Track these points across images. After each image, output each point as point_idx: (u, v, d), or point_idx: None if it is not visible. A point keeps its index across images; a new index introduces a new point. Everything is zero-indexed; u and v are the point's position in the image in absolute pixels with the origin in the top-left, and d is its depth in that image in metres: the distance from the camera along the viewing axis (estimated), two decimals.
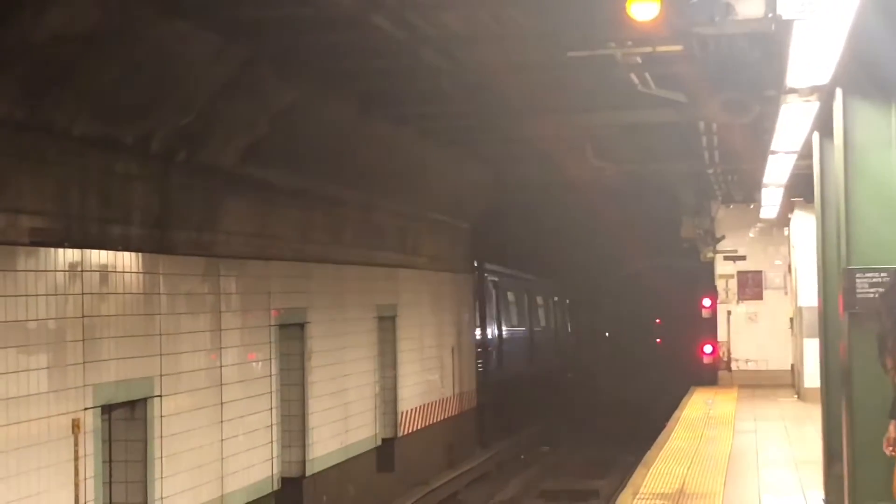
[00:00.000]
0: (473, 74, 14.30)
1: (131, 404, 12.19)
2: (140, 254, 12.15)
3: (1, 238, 9.98)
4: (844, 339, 8.57)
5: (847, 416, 8.30)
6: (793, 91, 9.42)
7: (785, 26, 7.49)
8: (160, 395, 12.47)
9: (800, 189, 17.80)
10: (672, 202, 26.61)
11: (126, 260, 11.90)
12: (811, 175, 11.49)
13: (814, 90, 9.33)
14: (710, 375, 25.98)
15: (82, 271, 11.13)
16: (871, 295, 7.88)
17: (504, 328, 35.00)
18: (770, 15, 8.53)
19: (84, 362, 11.09)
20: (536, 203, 28.54)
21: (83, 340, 11.09)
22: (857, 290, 8.11)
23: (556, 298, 42.11)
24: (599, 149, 21.03)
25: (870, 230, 7.99)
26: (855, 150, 8.02)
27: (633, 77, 12.60)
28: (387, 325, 20.41)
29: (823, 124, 10.11)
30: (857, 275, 8.05)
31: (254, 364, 14.95)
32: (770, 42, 9.17)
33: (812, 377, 17.87)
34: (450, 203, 23.63)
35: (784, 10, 7.17)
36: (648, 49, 11.14)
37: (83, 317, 11.11)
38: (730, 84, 11.66)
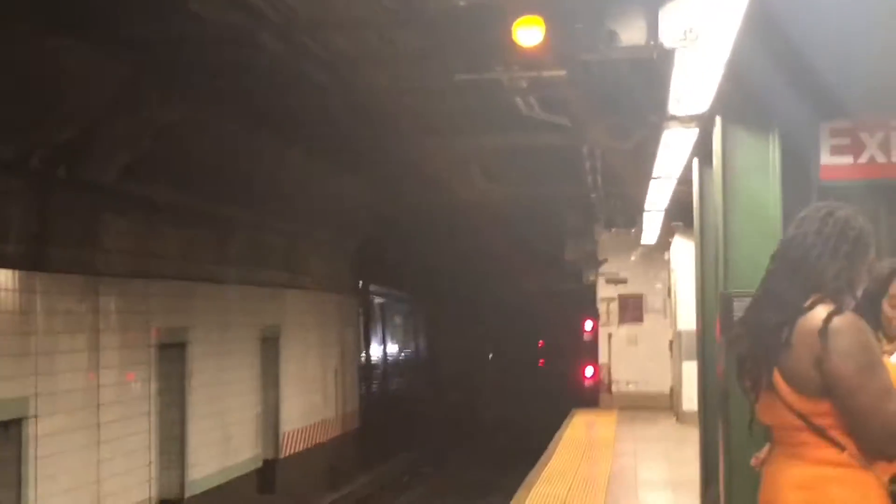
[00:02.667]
0: (361, 95, 14.30)
1: (4, 424, 11.92)
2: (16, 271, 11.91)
3: None
4: (721, 363, 8.70)
5: (724, 438, 8.42)
6: (674, 118, 9.59)
7: (666, 54, 7.64)
8: (35, 416, 12.22)
9: (680, 214, 18.09)
10: (557, 225, 26.88)
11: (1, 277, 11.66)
12: (691, 200, 11.69)
13: (694, 117, 9.51)
14: (592, 397, 26.24)
15: None
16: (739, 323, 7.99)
17: (388, 349, 34.96)
18: (652, 43, 8.68)
19: None
20: (423, 224, 28.61)
21: None
22: (735, 314, 8.23)
23: (440, 320, 42.23)
24: (486, 171, 21.17)
25: (746, 256, 8.12)
26: (734, 176, 8.16)
27: (519, 101, 12.70)
28: (270, 345, 20.25)
29: (703, 150, 10.30)
30: (735, 299, 8.17)
31: (132, 384, 14.72)
32: (652, 69, 9.32)
33: (690, 400, 18.12)
34: (337, 223, 23.56)
35: (665, 39, 7.31)
36: (533, 73, 11.23)
37: None
38: (613, 109, 11.83)
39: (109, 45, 11.64)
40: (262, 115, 15.89)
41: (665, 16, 7.42)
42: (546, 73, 11.15)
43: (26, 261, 12.10)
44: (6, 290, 11.77)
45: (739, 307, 8.25)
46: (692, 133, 10.06)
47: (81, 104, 12.29)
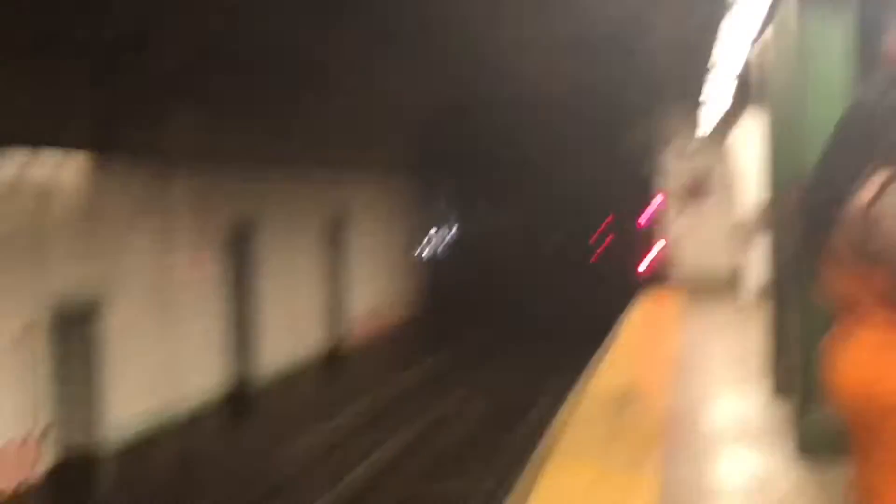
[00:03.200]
0: None
1: (78, 308, 12.10)
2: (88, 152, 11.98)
3: None
4: (794, 235, 8.64)
5: (799, 309, 8.41)
6: None
7: None
8: (108, 300, 12.38)
9: (747, 93, 17.84)
10: (619, 109, 26.61)
11: None
12: (759, 80, 11.51)
13: None
14: (658, 280, 26.21)
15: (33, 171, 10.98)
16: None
17: (447, 237, 34.98)
18: None
19: None
20: (484, 113, 28.42)
21: None
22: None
23: (498, 209, 42.10)
24: (546, 57, 20.93)
25: (822, 125, 8.01)
26: (808, 54, 8.03)
27: None
28: (337, 231, 20.34)
29: (780, 22, 10.11)
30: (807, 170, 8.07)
31: (203, 269, 14.85)
32: None
33: (759, 279, 18.06)
34: (398, 108, 23.47)
35: None
36: None
37: None
38: None
39: None
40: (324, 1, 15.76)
41: None
42: None
43: (98, 143, 12.19)
44: (79, 172, 11.88)
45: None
46: (766, 4, 9.87)
47: None
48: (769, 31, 10.76)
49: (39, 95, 11.13)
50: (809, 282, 8.29)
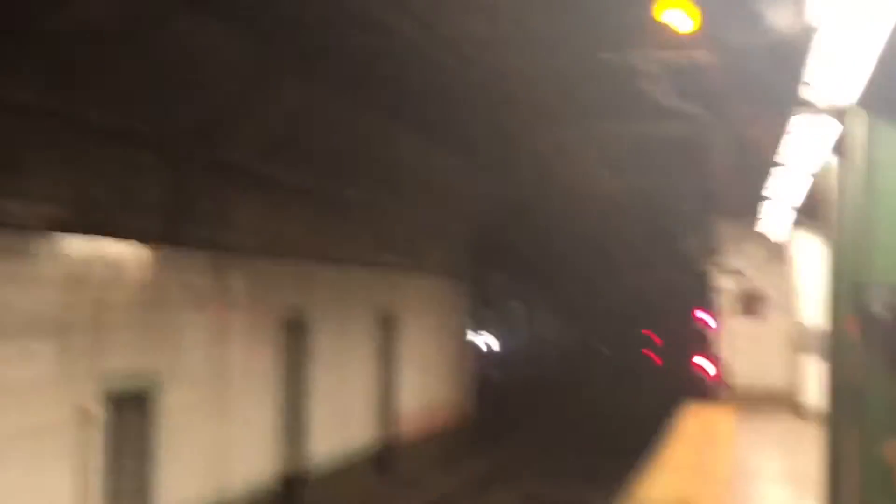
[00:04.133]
0: (489, 78, 14.27)
1: (134, 396, 12.16)
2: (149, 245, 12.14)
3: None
4: (855, 358, 8.56)
5: (858, 433, 8.30)
6: (811, 107, 9.42)
7: (809, 39, 7.50)
8: (163, 389, 12.44)
9: (807, 208, 17.78)
10: (675, 215, 26.59)
11: None
12: (818, 193, 11.48)
13: (832, 109, 9.33)
14: (708, 391, 25.95)
15: (94, 259, 11.11)
16: (887, 312, 7.88)
17: (500, 336, 34.96)
18: (794, 27, 8.54)
19: None
20: (541, 212, 28.51)
21: None
22: (873, 308, 8.10)
23: (552, 308, 42.10)
24: (605, 159, 21.01)
25: (888, 248, 7.99)
26: (878, 172, 8.03)
27: (649, 86, 12.59)
28: (389, 327, 20.41)
29: (840, 143, 10.11)
30: (874, 291, 8.04)
31: (257, 360, 14.88)
32: (792, 55, 9.17)
33: (812, 395, 17.87)
34: (455, 209, 23.62)
35: (809, 22, 7.18)
36: (670, 57, 11.12)
37: None
38: (747, 96, 11.66)
39: (246, 29, 11.78)
40: (387, 102, 15.96)
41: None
42: (683, 58, 11.03)
43: (161, 236, 12.34)
44: (141, 263, 12.02)
45: (877, 300, 8.12)
46: (829, 124, 9.87)
47: (218, 86, 12.48)
48: (835, 147, 10.76)
49: (104, 185, 11.31)
50: (873, 405, 8.13)
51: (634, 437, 24.03)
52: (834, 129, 9.91)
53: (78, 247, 10.85)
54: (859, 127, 8.39)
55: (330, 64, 13.56)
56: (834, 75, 8.02)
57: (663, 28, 9.53)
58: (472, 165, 22.21)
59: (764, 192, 17.08)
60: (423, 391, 22.38)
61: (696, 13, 9.19)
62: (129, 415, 12.07)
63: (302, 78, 13.85)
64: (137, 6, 10.34)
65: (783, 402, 22.60)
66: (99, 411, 11.16)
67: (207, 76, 12.22)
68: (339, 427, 17.83)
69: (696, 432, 19.20)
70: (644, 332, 49.22)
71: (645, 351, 48.86)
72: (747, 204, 22.93)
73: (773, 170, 14.02)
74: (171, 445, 12.53)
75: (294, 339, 16.24)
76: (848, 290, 9.82)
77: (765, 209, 18.85)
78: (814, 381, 17.14)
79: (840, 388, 10.55)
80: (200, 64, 11.86)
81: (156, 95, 11.66)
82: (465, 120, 17.62)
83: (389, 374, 20.46)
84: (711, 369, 26.99)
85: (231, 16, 11.42)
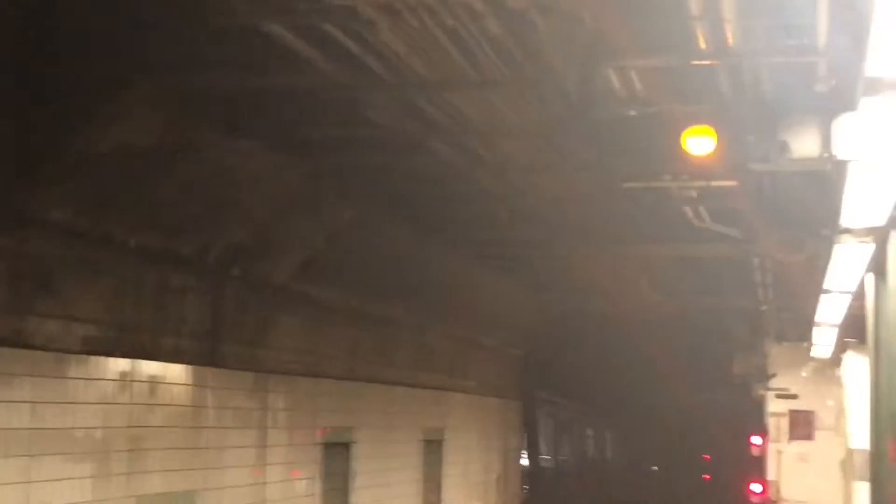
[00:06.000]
0: (529, 201, 14.37)
1: None
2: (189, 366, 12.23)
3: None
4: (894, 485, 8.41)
5: None
6: (847, 231, 9.39)
7: (840, 166, 7.52)
8: None
9: (854, 329, 17.58)
10: (725, 337, 26.40)
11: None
12: (865, 315, 11.36)
13: (869, 231, 9.29)
14: None
15: (132, 381, 11.20)
16: None
17: (551, 456, 34.59)
18: (825, 155, 8.56)
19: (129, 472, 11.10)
20: (589, 333, 28.43)
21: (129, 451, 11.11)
22: None
23: (604, 428, 41.70)
24: (654, 281, 20.99)
25: None
26: None
27: (688, 210, 12.62)
28: (433, 448, 20.27)
29: (878, 265, 10.04)
30: None
31: (298, 482, 14.86)
32: (825, 181, 9.18)
33: None
34: (501, 328, 23.59)
35: (839, 151, 7.20)
36: (703, 183, 11.18)
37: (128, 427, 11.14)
38: (784, 220, 11.65)
39: (287, 147, 11.95)
40: (430, 220, 16.08)
41: (839, 127, 7.32)
42: (716, 183, 11.07)
43: (200, 356, 12.40)
44: (180, 384, 12.07)
45: None
46: (867, 247, 9.83)
47: (258, 205, 12.63)
48: (871, 267, 10.69)
49: (143, 306, 11.41)
50: None
51: None
52: (869, 250, 9.87)
53: (115, 367, 10.92)
54: (892, 247, 8.35)
55: (371, 183, 13.70)
56: (867, 199, 8.02)
57: (690, 156, 9.58)
58: (519, 287, 22.23)
59: (811, 314, 16.94)
60: None
61: (714, 137, 9.24)
62: None
63: (344, 197, 14.00)
64: (180, 129, 10.53)
65: None
66: None
67: (249, 195, 12.37)
68: None
69: None
70: (699, 454, 48.61)
71: (698, 472, 48.14)
72: (795, 326, 22.76)
73: (816, 291, 13.93)
74: None
75: (335, 459, 16.17)
76: (887, 416, 9.67)
77: (813, 330, 18.68)
78: None
79: None
80: (241, 183, 12.02)
81: (196, 215, 11.81)
82: (510, 241, 17.70)
83: (433, 494, 20.27)
84: (759, 488, 26.51)
85: (274, 137, 11.60)
